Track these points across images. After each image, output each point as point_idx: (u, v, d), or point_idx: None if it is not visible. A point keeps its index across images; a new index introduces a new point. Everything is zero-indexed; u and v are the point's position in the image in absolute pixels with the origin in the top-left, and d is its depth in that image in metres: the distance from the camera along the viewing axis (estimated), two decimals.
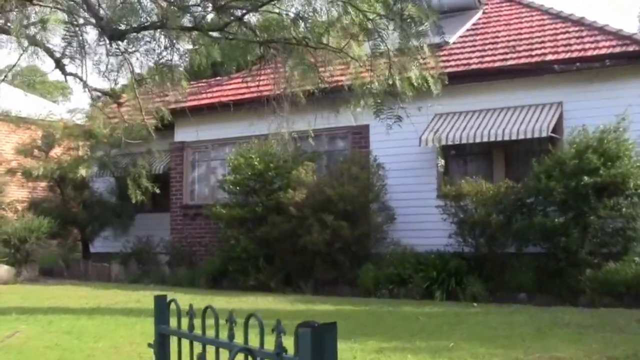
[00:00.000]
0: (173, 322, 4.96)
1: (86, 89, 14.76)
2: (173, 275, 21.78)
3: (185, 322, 4.75)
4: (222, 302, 16.88)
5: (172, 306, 4.95)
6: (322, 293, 18.44)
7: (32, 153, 25.22)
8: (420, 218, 19.22)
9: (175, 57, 11.43)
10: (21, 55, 13.39)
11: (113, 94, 15.04)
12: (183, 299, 17.61)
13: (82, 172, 23.61)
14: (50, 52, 13.39)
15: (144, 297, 17.76)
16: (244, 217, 19.94)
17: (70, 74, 14.04)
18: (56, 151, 25.86)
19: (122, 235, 24.94)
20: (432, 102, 18.56)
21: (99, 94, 14.98)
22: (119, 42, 10.42)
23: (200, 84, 25.29)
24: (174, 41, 11.26)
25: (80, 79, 14.39)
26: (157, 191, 22.61)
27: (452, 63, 19.90)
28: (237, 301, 16.92)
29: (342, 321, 13.56)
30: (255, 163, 20.02)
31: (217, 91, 24.06)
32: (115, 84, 14.77)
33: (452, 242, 17.74)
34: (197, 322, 4.67)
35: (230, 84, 23.93)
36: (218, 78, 26.00)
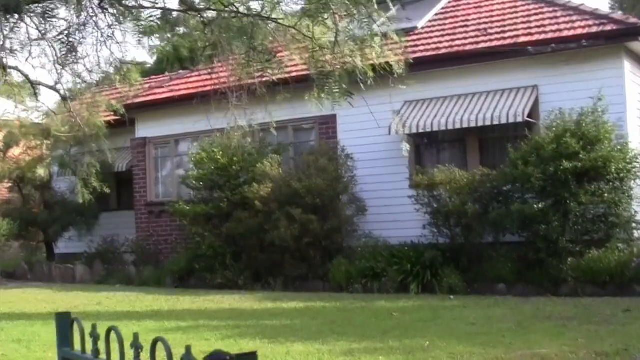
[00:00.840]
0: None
1: (28, 84, 14.01)
2: (139, 275, 20.98)
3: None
4: (187, 302, 16.16)
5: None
6: (293, 289, 17.71)
7: None
8: (393, 209, 18.47)
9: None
10: None
11: (55, 89, 14.23)
12: (146, 299, 17.00)
13: (41, 171, 22.81)
14: None
15: (106, 299, 17.00)
16: (208, 213, 19.17)
17: (10, 67, 13.22)
18: (16, 151, 24.91)
19: (87, 235, 24.11)
20: (400, 89, 18.08)
21: (43, 87, 14.18)
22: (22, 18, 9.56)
23: (160, 78, 24.50)
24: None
25: (21, 72, 13.62)
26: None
27: (421, 48, 19.18)
28: (202, 301, 16.17)
29: (310, 320, 12.90)
30: (219, 157, 19.26)
31: (178, 84, 23.23)
32: (60, 77, 14.03)
33: (426, 233, 17.03)
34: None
35: (192, 76, 23.08)
36: (180, 72, 25.21)
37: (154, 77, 30.69)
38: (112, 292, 18.33)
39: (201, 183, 19.58)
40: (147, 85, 26.40)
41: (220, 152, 19.33)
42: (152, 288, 19.32)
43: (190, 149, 21.19)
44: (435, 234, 16.91)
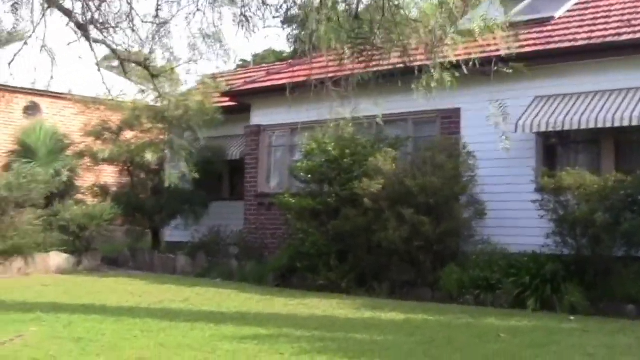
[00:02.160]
0: None
1: (116, 59, 12.96)
2: (241, 271, 19.83)
3: None
4: (280, 304, 14.89)
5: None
6: (399, 296, 16.22)
7: (102, 135, 23.51)
8: (514, 214, 16.72)
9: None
10: (43, 16, 11.60)
11: (146, 65, 13.18)
12: (237, 299, 15.75)
13: (149, 156, 21.91)
14: (69, 14, 11.56)
15: (196, 296, 15.92)
16: (315, 208, 17.87)
17: (97, 41, 12.23)
18: (131, 134, 24.11)
19: (194, 224, 23.13)
20: (531, 83, 16.43)
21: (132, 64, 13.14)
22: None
23: (278, 64, 23.38)
24: None
25: (109, 47, 12.57)
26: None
27: (556, 39, 17.42)
28: (295, 304, 14.86)
29: (406, 336, 11.37)
30: (330, 149, 17.91)
31: (297, 70, 21.94)
32: (152, 52, 12.97)
33: (549, 242, 15.25)
34: None
35: (313, 62, 21.74)
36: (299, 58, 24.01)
37: (277, 63, 29.73)
38: (205, 288, 17.25)
39: (310, 175, 18.34)
40: (264, 72, 25.44)
41: (332, 144, 18.02)
42: (251, 285, 18.21)
43: (302, 139, 19.86)
44: (559, 244, 15.13)
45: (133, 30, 11.75)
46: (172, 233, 24.81)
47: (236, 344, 10.54)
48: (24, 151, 25.59)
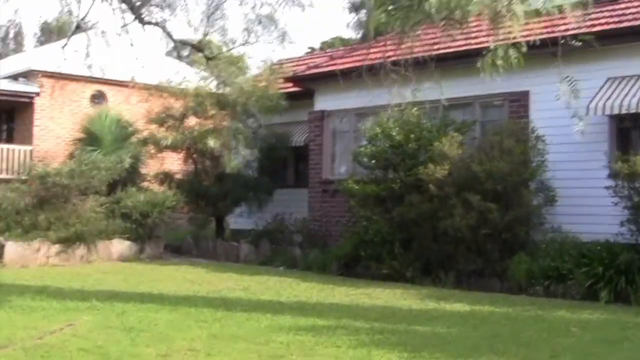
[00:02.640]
0: None
1: (169, 41, 12.62)
2: (304, 259, 19.43)
3: None
4: (341, 294, 14.46)
5: None
6: (465, 286, 15.66)
7: (165, 122, 23.29)
8: (587, 201, 16.01)
9: None
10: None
11: (200, 47, 12.81)
12: (298, 288, 15.36)
13: (211, 142, 21.63)
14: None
15: (256, 285, 15.57)
16: (379, 194, 17.39)
17: (151, 23, 11.91)
18: (194, 121, 23.85)
19: (258, 212, 22.81)
20: (602, 63, 15.75)
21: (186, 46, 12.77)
22: None
23: (342, 49, 22.89)
24: None
25: (163, 29, 12.22)
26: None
27: (629, 16, 16.61)
28: (357, 294, 14.40)
29: (471, 329, 10.82)
30: (394, 133, 17.38)
31: (361, 54, 21.42)
32: (206, 34, 12.61)
33: (624, 231, 14.57)
34: None
35: (377, 46, 21.24)
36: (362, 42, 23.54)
37: (341, 48, 29.26)
38: (267, 276, 16.92)
39: (373, 161, 17.84)
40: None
41: (397, 128, 17.49)
42: (314, 274, 17.85)
43: (365, 124, 19.32)
44: (635, 232, 14.45)
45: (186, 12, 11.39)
46: (236, 220, 24.54)
47: (292, 335, 10.12)
48: (90, 139, 25.54)
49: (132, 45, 11.76)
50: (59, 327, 10.49)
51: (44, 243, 19.65)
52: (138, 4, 11.27)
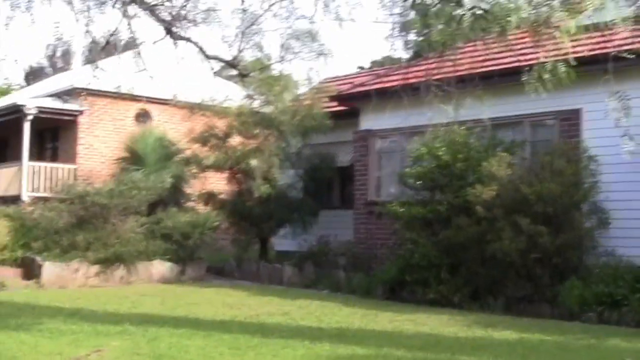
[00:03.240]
0: None
1: (203, 57, 12.22)
2: (348, 282, 18.93)
3: None
4: (384, 320, 13.91)
5: None
6: (515, 312, 15.05)
7: (208, 141, 22.95)
8: None
9: None
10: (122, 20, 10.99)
11: (234, 64, 12.41)
12: (340, 313, 14.82)
13: (253, 162, 21.25)
14: (156, 15, 10.90)
15: (297, 310, 15.07)
16: (425, 217, 16.86)
17: (183, 38, 11.54)
18: (237, 140, 23.52)
19: (303, 233, 22.36)
20: None
21: (220, 63, 12.37)
22: None
23: (388, 67, 22.43)
24: None
25: (196, 45, 11.85)
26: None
27: None
28: (401, 320, 13.85)
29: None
30: (440, 153, 16.87)
31: (407, 72, 20.90)
32: (240, 50, 12.23)
33: None
34: None
35: (424, 64, 20.72)
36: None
37: (387, 66, 28.80)
38: (309, 300, 16.41)
39: (420, 182, 17.35)
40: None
41: (444, 148, 16.99)
42: (358, 298, 17.37)
43: (412, 144, 18.81)
44: None
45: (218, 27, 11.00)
46: (280, 242, 24.11)
47: None
48: (133, 158, 25.36)
49: (177, 63, 11.46)
50: (85, 353, 10.10)
51: (83, 264, 19.42)
52: (169, 19, 10.89)
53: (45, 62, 63.60)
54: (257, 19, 10.94)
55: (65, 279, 19.03)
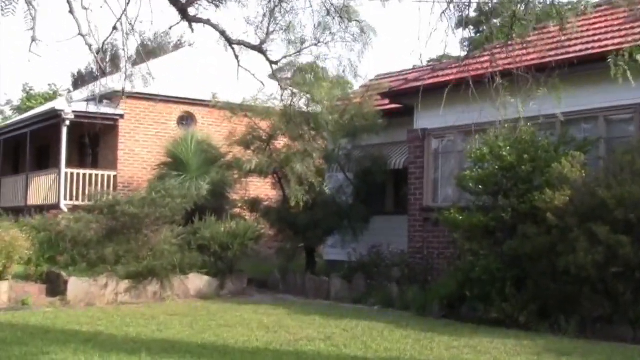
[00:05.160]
0: None
1: (224, 42, 10.51)
2: (402, 297, 17.17)
3: None
4: (441, 345, 12.09)
5: None
6: (590, 334, 13.19)
7: (251, 144, 21.30)
8: None
9: None
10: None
11: (261, 49, 10.67)
12: (391, 337, 12.81)
13: (297, 166, 19.51)
14: None
15: (341, 332, 13.33)
16: (487, 225, 15.07)
17: (200, 21, 9.87)
18: (282, 142, 21.90)
19: (352, 242, 20.59)
20: None
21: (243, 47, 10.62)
22: None
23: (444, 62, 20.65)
24: None
25: (216, 28, 10.16)
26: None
27: None
28: (460, 346, 11.96)
29: None
30: (504, 154, 15.04)
31: (466, 66, 19.01)
32: (268, 34, 10.53)
33: None
34: None
35: (484, 56, 18.85)
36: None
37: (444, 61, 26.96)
38: (355, 321, 14.59)
39: (481, 186, 15.56)
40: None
41: (508, 148, 15.18)
42: (412, 316, 15.68)
43: (471, 144, 16.96)
44: None
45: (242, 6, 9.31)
46: (328, 251, 22.44)
47: None
48: (175, 163, 24.04)
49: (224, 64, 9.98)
50: None
51: (112, 278, 17.77)
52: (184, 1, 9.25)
53: (93, 66, 62.90)
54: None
55: (92, 295, 17.44)
